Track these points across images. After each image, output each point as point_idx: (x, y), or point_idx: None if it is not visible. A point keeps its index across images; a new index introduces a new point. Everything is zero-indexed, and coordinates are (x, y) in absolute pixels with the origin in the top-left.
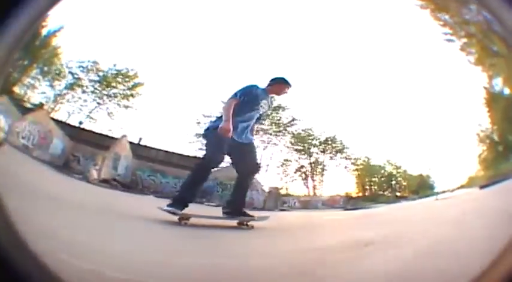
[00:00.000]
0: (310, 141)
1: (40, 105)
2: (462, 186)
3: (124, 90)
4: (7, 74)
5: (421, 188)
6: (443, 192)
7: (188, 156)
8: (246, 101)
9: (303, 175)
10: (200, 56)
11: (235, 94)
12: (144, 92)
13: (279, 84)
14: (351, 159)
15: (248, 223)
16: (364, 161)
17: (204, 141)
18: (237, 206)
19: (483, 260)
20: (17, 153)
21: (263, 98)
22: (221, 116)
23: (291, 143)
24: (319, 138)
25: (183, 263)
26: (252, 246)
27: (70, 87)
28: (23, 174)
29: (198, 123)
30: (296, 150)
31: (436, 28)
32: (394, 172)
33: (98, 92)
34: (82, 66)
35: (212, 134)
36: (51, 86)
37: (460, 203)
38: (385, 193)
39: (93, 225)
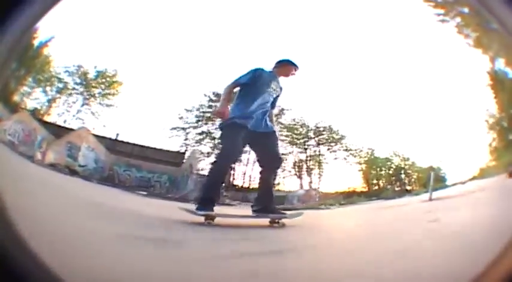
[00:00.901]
0: (304, 132)
1: (35, 110)
2: (474, 178)
3: (104, 89)
4: (6, 80)
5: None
6: (455, 184)
7: (163, 150)
8: (254, 86)
9: (299, 170)
10: (178, 52)
11: (238, 79)
12: (124, 90)
13: (287, 66)
14: (351, 150)
15: (280, 221)
16: (367, 153)
17: (220, 136)
18: (267, 203)
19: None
20: (15, 154)
21: (272, 79)
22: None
23: (283, 135)
24: (314, 129)
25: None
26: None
27: (60, 91)
28: (21, 174)
29: (181, 118)
30: (290, 142)
31: (428, 10)
32: (402, 165)
33: (82, 93)
34: (68, 71)
35: (227, 127)
36: (44, 92)
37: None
38: (393, 187)
39: (94, 226)
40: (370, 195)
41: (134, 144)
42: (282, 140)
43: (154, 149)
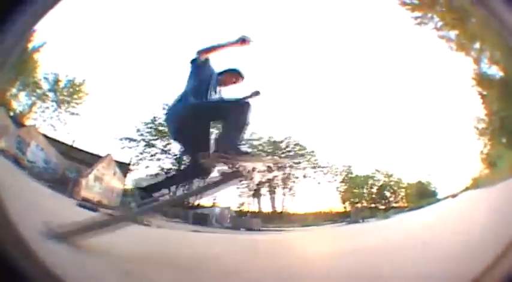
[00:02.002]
0: (270, 149)
1: (20, 113)
2: (467, 189)
3: (71, 98)
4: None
5: (422, 196)
6: (446, 198)
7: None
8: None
9: (268, 190)
10: (141, 67)
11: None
12: (89, 100)
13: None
14: (322, 167)
15: None
16: (344, 170)
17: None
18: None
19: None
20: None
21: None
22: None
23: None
24: (282, 145)
25: None
26: None
27: (38, 97)
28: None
29: (138, 130)
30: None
31: (406, 14)
32: (386, 181)
33: (54, 100)
34: (46, 78)
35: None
36: (28, 96)
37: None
38: (378, 205)
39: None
40: (345, 215)
41: (87, 152)
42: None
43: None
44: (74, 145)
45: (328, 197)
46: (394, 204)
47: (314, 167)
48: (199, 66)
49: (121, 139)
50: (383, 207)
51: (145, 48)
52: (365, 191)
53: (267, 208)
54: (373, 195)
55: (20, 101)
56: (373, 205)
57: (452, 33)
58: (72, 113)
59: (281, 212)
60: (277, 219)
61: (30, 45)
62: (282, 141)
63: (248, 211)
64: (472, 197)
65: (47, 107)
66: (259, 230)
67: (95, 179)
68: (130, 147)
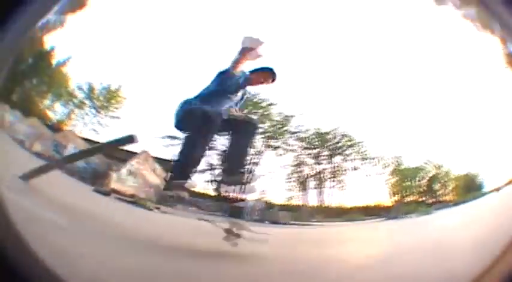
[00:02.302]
0: (318, 141)
1: (58, 121)
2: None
3: (108, 103)
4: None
5: (468, 189)
6: (491, 191)
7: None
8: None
9: (313, 183)
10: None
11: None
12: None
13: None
14: (371, 159)
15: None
16: (394, 162)
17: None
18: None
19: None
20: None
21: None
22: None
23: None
24: (329, 137)
25: None
26: None
27: (76, 105)
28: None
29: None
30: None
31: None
32: (436, 173)
33: (92, 107)
34: (80, 87)
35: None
36: (64, 105)
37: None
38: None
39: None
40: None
41: (129, 152)
42: (291, 150)
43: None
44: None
45: (377, 190)
46: (442, 198)
47: (363, 159)
48: (227, 77)
49: (163, 137)
50: (431, 201)
51: (180, 45)
52: (414, 183)
53: (315, 201)
54: (422, 188)
55: (56, 111)
56: (421, 199)
57: (473, 12)
58: (113, 117)
59: (326, 206)
60: (319, 213)
61: (54, 61)
62: (329, 133)
63: (276, 204)
64: None
65: (86, 114)
66: (287, 224)
67: (129, 173)
68: (173, 145)
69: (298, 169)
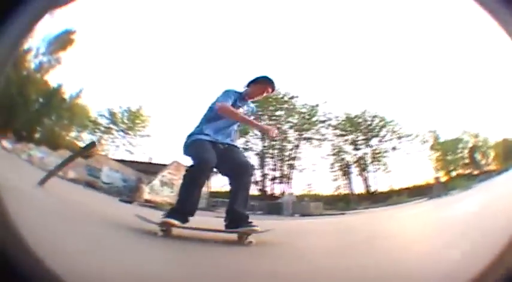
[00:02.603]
0: (351, 126)
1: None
2: None
3: (133, 124)
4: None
5: (509, 155)
6: None
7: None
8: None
9: (356, 169)
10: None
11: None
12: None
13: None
14: (407, 136)
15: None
16: (432, 136)
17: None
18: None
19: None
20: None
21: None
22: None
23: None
24: (362, 121)
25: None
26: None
27: (103, 132)
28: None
29: None
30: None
31: None
32: (475, 142)
33: (119, 130)
34: (101, 115)
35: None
36: (91, 133)
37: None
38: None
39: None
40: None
41: (165, 165)
42: (327, 140)
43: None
44: (152, 161)
45: (420, 169)
46: (486, 168)
47: (399, 137)
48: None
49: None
50: (475, 172)
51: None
52: (456, 156)
53: (360, 188)
54: (465, 161)
55: (84, 140)
56: (466, 171)
57: None
58: (142, 135)
59: (372, 192)
60: (364, 200)
61: (67, 95)
62: (358, 116)
63: (306, 195)
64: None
65: (116, 137)
66: (320, 215)
67: (162, 184)
68: None
69: (338, 157)
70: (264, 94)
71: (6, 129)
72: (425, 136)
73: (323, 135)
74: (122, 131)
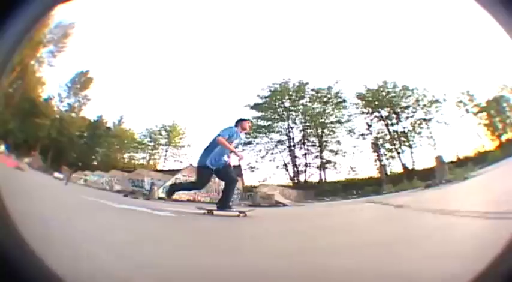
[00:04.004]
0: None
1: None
2: None
3: (172, 140)
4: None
5: None
6: None
7: None
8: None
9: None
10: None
11: (224, 134)
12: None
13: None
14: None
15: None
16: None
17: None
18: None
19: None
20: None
21: (237, 137)
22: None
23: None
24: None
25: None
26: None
27: (151, 149)
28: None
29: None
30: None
31: None
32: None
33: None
34: (144, 135)
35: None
36: (144, 152)
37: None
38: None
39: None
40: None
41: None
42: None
43: None
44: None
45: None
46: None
47: (424, 106)
48: (234, 133)
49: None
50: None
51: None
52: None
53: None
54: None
55: (136, 158)
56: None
57: None
58: (182, 146)
59: (408, 170)
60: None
61: (110, 124)
62: (379, 88)
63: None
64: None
65: (164, 151)
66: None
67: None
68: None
69: (371, 136)
70: (247, 128)
71: (58, 164)
72: (460, 97)
73: (351, 115)
74: (166, 144)
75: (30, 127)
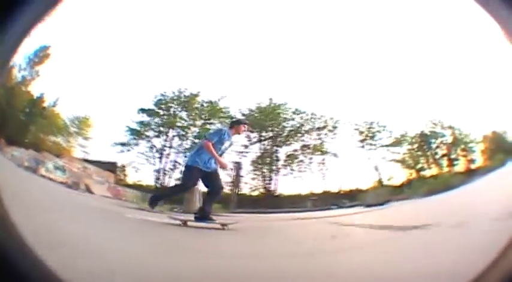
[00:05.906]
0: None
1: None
2: None
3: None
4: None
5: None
6: None
7: None
8: (218, 144)
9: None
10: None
11: (212, 137)
12: None
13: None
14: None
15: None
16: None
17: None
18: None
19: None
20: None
21: (228, 140)
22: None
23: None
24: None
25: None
26: None
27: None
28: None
29: None
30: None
31: None
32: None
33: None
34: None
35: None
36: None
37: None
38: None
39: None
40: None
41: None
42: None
43: None
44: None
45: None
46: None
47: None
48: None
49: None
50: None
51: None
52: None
53: None
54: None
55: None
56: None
57: None
58: (86, 138)
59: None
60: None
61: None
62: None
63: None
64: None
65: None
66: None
67: None
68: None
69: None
70: (242, 130)
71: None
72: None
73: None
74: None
75: None
